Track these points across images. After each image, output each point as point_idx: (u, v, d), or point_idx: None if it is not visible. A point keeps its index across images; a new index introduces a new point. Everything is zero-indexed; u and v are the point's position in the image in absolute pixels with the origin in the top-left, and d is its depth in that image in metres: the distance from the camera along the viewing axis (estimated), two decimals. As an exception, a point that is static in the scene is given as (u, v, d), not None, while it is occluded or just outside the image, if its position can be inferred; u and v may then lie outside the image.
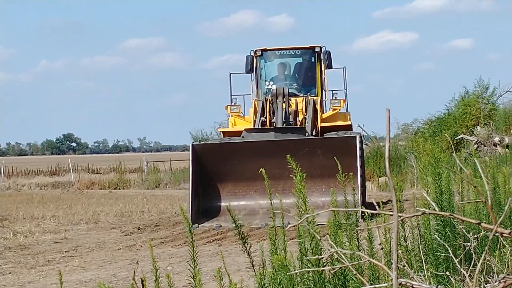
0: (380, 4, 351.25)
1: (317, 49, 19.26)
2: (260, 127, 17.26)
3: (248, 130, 16.79)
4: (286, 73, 19.71)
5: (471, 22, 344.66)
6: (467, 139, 26.50)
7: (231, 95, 19.54)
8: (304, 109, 18.01)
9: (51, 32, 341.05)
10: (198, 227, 15.29)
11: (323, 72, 19.33)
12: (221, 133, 19.12)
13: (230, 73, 19.56)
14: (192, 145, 16.06)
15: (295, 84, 19.58)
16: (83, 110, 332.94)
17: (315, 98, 18.55)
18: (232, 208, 14.96)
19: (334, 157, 5.95)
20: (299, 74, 19.80)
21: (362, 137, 28.50)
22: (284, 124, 17.22)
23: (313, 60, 19.53)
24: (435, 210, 2.74)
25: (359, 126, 35.94)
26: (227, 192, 16.18)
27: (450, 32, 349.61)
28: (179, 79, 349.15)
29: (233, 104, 19.05)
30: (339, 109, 18.97)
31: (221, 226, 15.26)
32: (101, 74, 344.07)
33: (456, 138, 26.53)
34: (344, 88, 19.56)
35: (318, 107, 18.35)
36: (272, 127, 17.02)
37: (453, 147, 17.14)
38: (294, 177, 4.05)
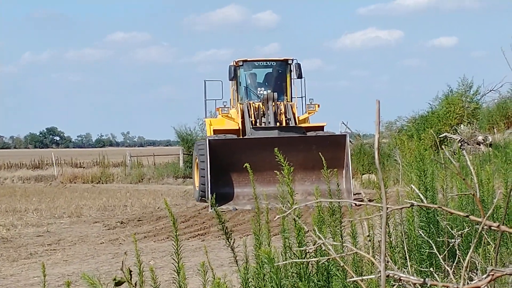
0: (364, 1, 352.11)
1: (289, 61, 22.02)
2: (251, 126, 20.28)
3: (255, 128, 19.87)
4: (262, 81, 22.24)
5: (456, 20, 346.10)
6: (450, 137, 26.58)
7: (205, 100, 22.69)
8: (284, 112, 20.70)
9: (36, 24, 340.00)
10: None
11: (293, 81, 22.19)
12: (213, 131, 21.17)
13: (205, 80, 22.57)
14: (208, 139, 18.55)
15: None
16: (67, 104, 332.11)
17: (291, 103, 21.35)
18: (238, 194, 17.50)
19: (319, 153, 6.10)
20: (274, 82, 22.18)
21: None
22: (277, 124, 20.21)
23: (285, 71, 22.22)
24: (423, 203, 2.75)
25: (343, 123, 36.00)
26: (234, 180, 18.64)
27: (435, 30, 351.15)
28: (164, 73, 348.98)
29: (224, 106, 21.34)
30: (314, 113, 21.73)
31: (236, 209, 17.82)
32: (86, 67, 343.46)
33: (439, 136, 26.58)
34: (303, 96, 22.34)
35: (295, 110, 21.18)
36: (275, 125, 20.03)
37: (438, 144, 17.28)
38: (278, 171, 4.25)
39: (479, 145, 25.57)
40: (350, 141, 33.66)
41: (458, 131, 27.09)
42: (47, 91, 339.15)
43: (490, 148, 24.17)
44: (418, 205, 2.22)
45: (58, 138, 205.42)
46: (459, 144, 25.23)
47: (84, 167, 44.53)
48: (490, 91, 31.90)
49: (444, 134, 26.95)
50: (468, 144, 25.62)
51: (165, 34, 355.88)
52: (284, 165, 4.12)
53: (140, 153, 48.29)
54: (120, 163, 42.07)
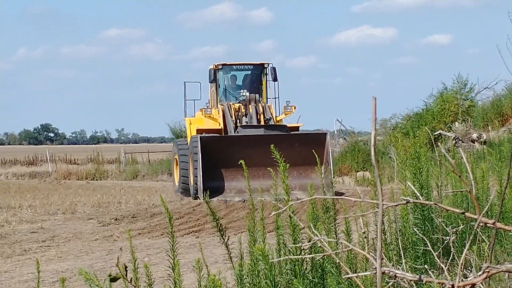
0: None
1: (265, 65, 23.35)
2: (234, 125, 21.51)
3: (242, 127, 20.92)
4: (239, 83, 23.57)
5: (451, 18, 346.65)
6: (445, 135, 26.57)
7: (185, 100, 24.08)
8: (263, 112, 21.87)
9: (30, 20, 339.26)
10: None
11: (268, 83, 23.47)
12: (196, 130, 22.12)
13: (185, 82, 24.07)
14: (200, 137, 19.70)
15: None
16: (61, 100, 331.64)
17: (268, 104, 22.58)
18: (227, 188, 18.28)
19: (313, 150, 6.15)
20: (251, 85, 23.46)
21: (341, 131, 34.71)
22: (258, 123, 21.27)
23: (261, 74, 23.60)
24: (419, 200, 2.74)
25: (338, 120, 36.04)
26: (223, 175, 19.78)
27: (430, 27, 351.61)
28: (158, 70, 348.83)
29: (207, 107, 22.78)
30: (290, 114, 22.82)
31: (227, 200, 18.86)
32: (80, 64, 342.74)
33: (434, 134, 26.57)
34: (276, 97, 23.42)
35: (272, 111, 22.34)
36: (262, 124, 21.15)
37: (433, 142, 17.29)
38: (271, 166, 4.35)
39: (474, 143, 25.59)
40: (344, 138, 34.05)
41: (453, 129, 27.09)
42: (41, 87, 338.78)
43: (484, 145, 24.20)
44: (414, 202, 2.22)
45: (52, 135, 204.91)
46: (454, 141, 25.25)
47: (78, 164, 44.50)
48: (485, 88, 31.93)
49: (438, 132, 26.92)
50: (463, 142, 25.63)
51: (160, 31, 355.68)
52: (280, 162, 4.20)
53: (134, 150, 48.29)
54: (115, 159, 42.07)
